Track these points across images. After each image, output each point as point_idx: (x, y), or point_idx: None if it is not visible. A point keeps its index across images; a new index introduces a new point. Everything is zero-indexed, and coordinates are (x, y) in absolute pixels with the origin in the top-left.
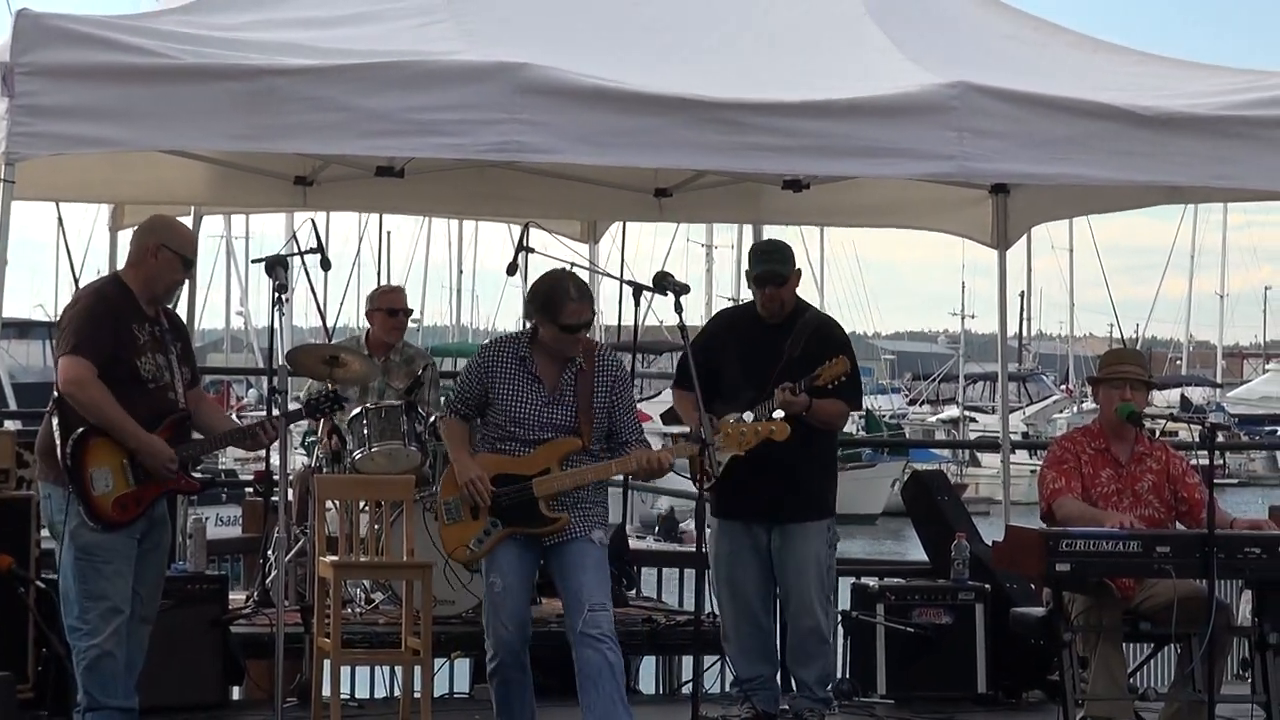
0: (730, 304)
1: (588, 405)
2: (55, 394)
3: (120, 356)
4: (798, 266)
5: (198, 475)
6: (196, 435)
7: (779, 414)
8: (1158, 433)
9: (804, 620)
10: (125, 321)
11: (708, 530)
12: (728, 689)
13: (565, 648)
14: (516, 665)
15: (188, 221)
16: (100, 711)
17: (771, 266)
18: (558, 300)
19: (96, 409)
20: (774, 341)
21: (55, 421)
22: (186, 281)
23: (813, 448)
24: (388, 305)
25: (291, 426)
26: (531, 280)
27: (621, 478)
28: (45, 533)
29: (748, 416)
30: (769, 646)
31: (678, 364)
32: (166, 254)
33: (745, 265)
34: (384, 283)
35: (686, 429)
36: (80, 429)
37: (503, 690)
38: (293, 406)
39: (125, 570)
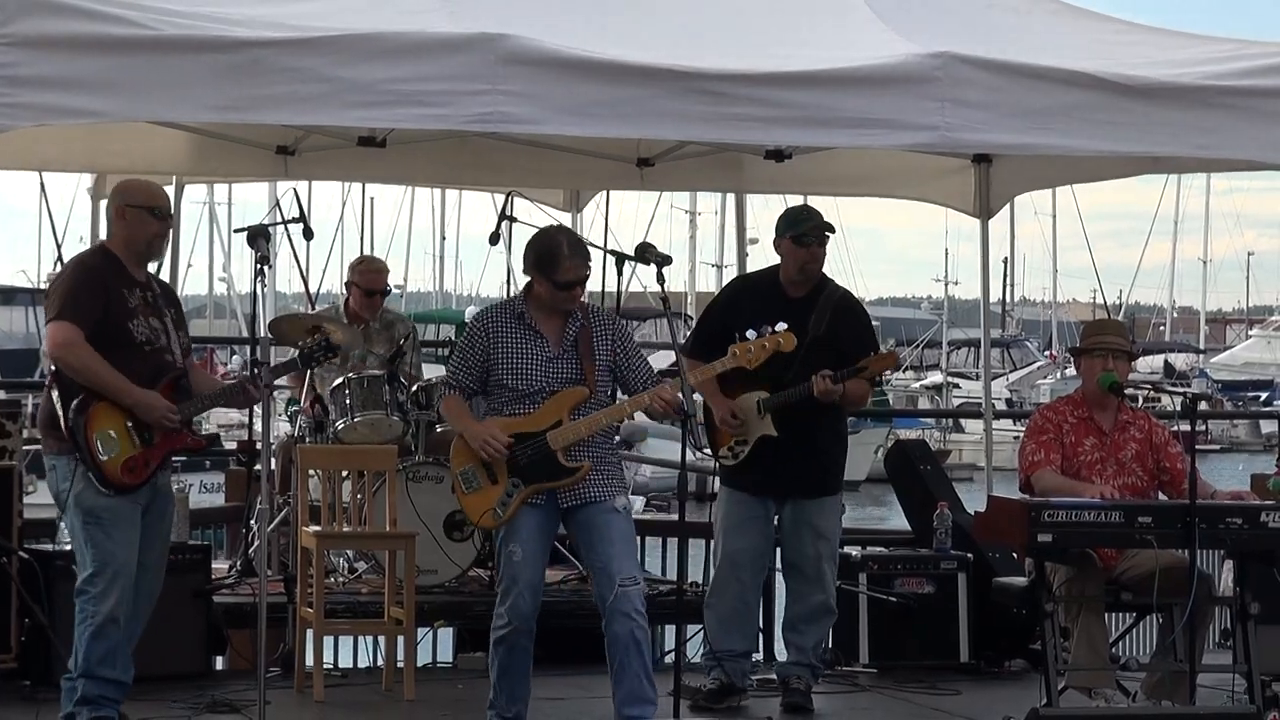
0: (715, 269)
1: (590, 355)
2: (52, 367)
3: (110, 319)
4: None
5: (203, 433)
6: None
7: (781, 325)
8: (1140, 400)
9: (815, 595)
10: (114, 286)
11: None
12: (701, 657)
13: (551, 617)
14: (528, 633)
15: (169, 191)
16: (94, 681)
17: (817, 221)
18: (553, 257)
19: (86, 370)
20: (796, 315)
21: (55, 393)
22: (167, 234)
23: (833, 424)
24: (366, 285)
25: (276, 395)
26: (518, 246)
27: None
28: (29, 500)
29: (750, 334)
30: (749, 624)
31: (690, 333)
32: (132, 211)
33: (776, 231)
34: (368, 252)
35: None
36: (80, 395)
37: (509, 658)
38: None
39: (132, 536)
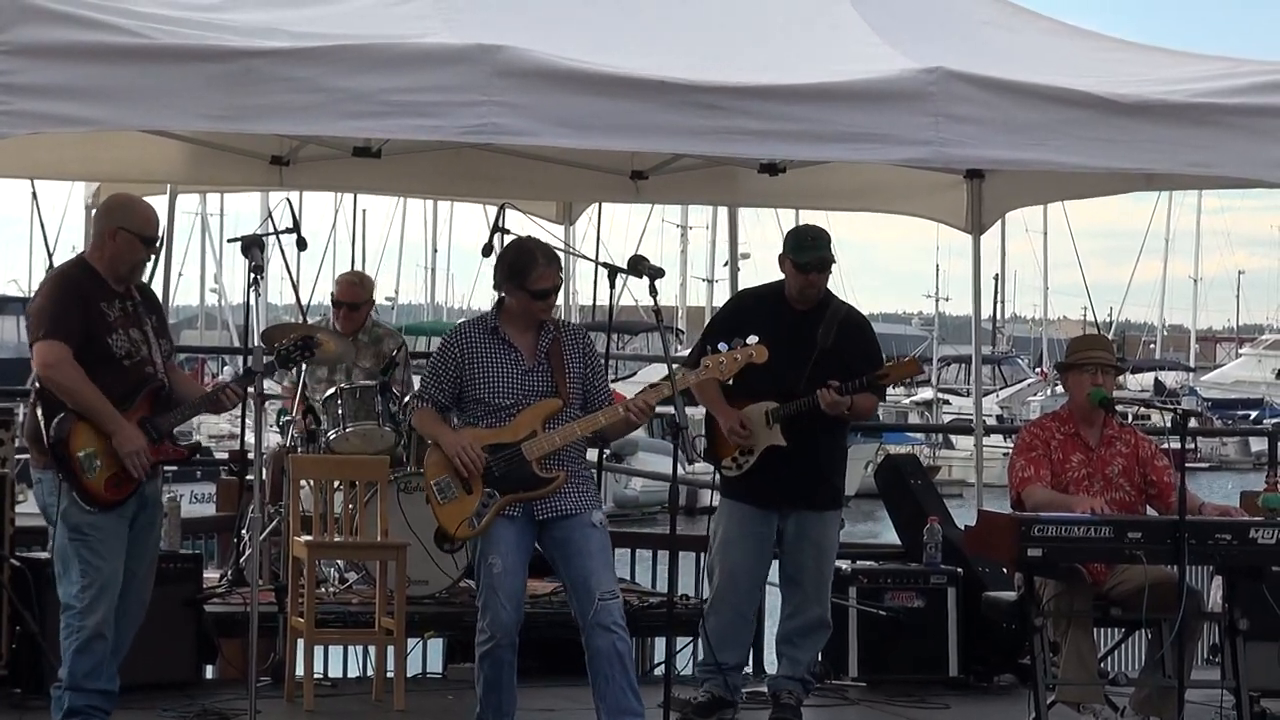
0: (705, 284)
1: (563, 368)
2: (36, 384)
3: (92, 335)
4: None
5: (184, 443)
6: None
7: (753, 338)
8: (1130, 418)
9: (814, 609)
10: (94, 301)
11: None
12: (695, 669)
13: (542, 628)
14: (510, 646)
15: (163, 200)
16: (80, 693)
17: (821, 253)
18: (526, 266)
19: (72, 391)
20: (804, 329)
21: (39, 410)
22: (154, 258)
23: (835, 438)
24: (339, 296)
25: (266, 405)
26: None
27: (595, 456)
28: (20, 509)
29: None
30: (744, 637)
31: (698, 343)
32: (124, 235)
33: (782, 248)
34: (358, 264)
35: (668, 410)
36: (62, 413)
37: (494, 673)
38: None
39: (118, 550)
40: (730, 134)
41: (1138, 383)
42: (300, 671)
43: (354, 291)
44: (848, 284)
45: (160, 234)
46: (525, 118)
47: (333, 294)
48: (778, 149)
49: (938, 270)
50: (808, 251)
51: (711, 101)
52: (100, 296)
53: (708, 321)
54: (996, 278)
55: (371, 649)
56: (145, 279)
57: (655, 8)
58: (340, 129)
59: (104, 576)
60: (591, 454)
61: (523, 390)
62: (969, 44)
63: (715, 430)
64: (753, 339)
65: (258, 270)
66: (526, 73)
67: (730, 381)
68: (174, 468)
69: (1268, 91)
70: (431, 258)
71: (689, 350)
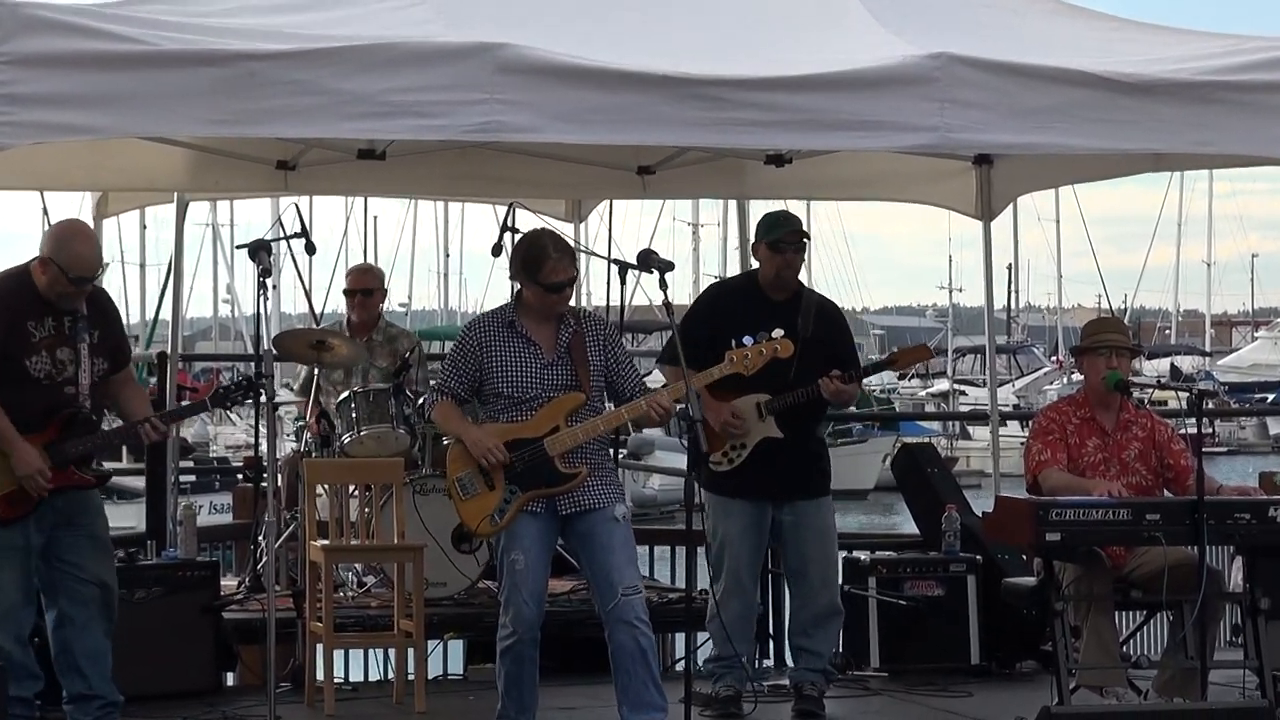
0: (716, 280)
1: (584, 361)
2: None
3: (10, 355)
4: None
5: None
6: (119, 423)
7: (778, 332)
8: (1146, 401)
9: (823, 595)
10: (21, 319)
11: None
12: (704, 665)
13: (563, 626)
14: (532, 642)
15: (170, 209)
16: None
17: (795, 227)
18: (538, 259)
19: None
20: (781, 319)
21: None
22: (81, 294)
23: (817, 425)
24: (350, 284)
25: (281, 413)
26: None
27: (612, 453)
28: None
29: (748, 340)
30: (750, 625)
31: (667, 342)
32: (52, 268)
33: (755, 236)
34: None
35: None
36: None
37: (516, 669)
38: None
39: (13, 564)
40: (734, 125)
41: (1154, 368)
42: (320, 676)
43: (364, 278)
44: (860, 278)
45: (91, 275)
46: (528, 114)
47: (344, 289)
48: (783, 139)
49: (950, 261)
50: (779, 229)
51: (715, 94)
52: (30, 315)
53: (684, 316)
54: (1009, 267)
55: (391, 652)
56: (153, 289)
57: (656, 1)
58: (343, 131)
59: None
60: None
61: (544, 384)
62: (972, 28)
63: (705, 427)
64: (778, 332)
65: (265, 274)
66: (528, 69)
67: None
68: (192, 478)
69: (1272, 68)
70: (444, 262)
71: (664, 347)
